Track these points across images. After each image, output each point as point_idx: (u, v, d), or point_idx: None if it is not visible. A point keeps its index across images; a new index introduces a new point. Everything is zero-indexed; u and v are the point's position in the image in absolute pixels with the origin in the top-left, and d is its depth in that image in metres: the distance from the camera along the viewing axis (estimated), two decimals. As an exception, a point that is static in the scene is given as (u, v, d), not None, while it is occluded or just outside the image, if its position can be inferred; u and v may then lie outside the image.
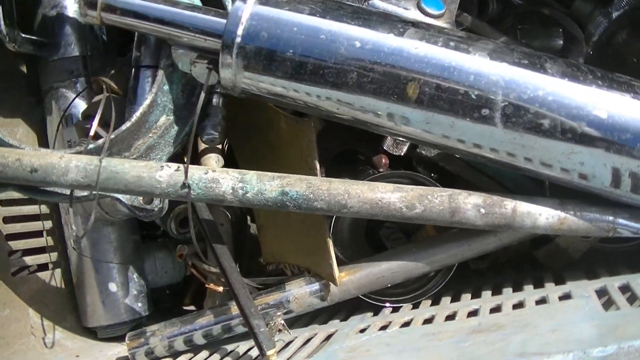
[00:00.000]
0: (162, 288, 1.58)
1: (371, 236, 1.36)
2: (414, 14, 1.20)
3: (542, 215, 1.08)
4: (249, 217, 1.59)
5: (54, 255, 1.50)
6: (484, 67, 1.02)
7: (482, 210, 1.08)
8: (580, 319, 0.93)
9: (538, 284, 1.18)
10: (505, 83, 1.01)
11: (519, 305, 1.07)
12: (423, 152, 1.31)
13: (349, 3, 1.16)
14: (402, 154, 1.33)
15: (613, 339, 0.81)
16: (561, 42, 1.57)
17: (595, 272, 1.19)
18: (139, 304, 1.46)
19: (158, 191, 1.09)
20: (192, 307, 1.63)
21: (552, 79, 1.02)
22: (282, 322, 1.16)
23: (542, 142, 1.02)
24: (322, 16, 1.08)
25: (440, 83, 1.02)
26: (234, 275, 1.14)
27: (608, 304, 0.99)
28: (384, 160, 1.33)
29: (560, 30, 1.57)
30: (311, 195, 1.07)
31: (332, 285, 1.19)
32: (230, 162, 1.36)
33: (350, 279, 1.19)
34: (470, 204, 1.08)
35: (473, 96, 1.01)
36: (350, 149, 1.45)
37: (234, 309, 1.18)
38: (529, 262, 1.39)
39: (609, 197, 1.07)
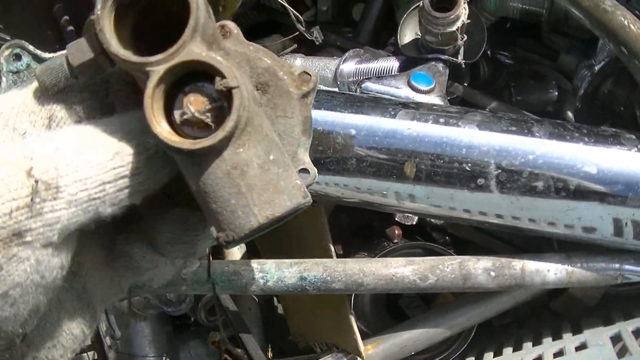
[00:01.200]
0: (200, 375, 1.63)
1: (392, 306, 1.40)
2: (405, 92, 1.26)
3: (550, 271, 1.12)
4: (275, 298, 1.64)
5: (91, 355, 1.54)
6: (474, 139, 1.08)
7: (492, 274, 1.12)
8: (594, 370, 0.96)
9: (557, 335, 1.21)
10: (496, 152, 1.06)
11: (538, 360, 1.11)
12: (433, 220, 1.36)
13: (340, 92, 1.22)
14: (414, 224, 1.39)
15: (624, 388, 0.85)
16: (556, 93, 1.62)
17: (612, 316, 1.22)
18: (179, 394, 1.51)
19: (184, 288, 1.14)
20: (231, 390, 1.66)
21: (541, 142, 1.07)
22: (316, 400, 1.21)
23: (539, 202, 1.06)
24: (317, 107, 1.13)
25: (434, 159, 1.08)
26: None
27: (623, 350, 1.02)
28: (397, 232, 1.38)
29: (554, 82, 1.62)
30: (328, 278, 1.12)
31: (358, 359, 1.23)
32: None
33: (375, 351, 1.24)
34: (480, 268, 1.12)
35: (467, 168, 1.07)
36: (365, 224, 1.50)
37: (269, 393, 1.22)
38: (548, 312, 1.42)
39: (614, 247, 1.11)
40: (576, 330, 1.20)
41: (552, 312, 1.39)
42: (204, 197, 0.60)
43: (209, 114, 0.58)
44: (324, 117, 1.13)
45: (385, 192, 1.12)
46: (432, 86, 1.27)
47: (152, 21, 0.62)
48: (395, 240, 1.37)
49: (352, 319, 1.21)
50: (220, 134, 0.57)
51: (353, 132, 1.11)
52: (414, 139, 1.09)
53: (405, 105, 1.15)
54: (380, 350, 1.24)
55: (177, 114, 0.58)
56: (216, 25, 0.62)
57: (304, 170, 0.68)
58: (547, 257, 1.14)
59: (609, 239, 1.08)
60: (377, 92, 1.25)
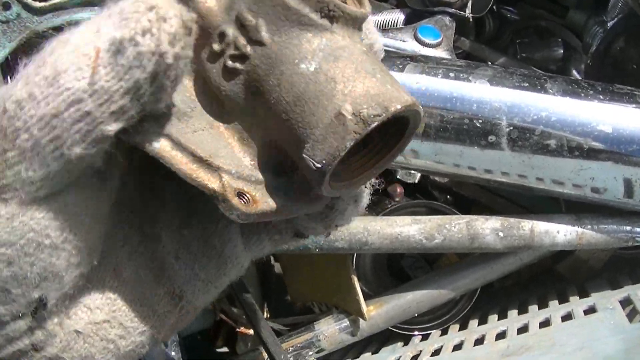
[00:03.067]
0: (194, 334, 1.59)
1: (394, 266, 1.37)
2: (411, 45, 1.22)
3: (560, 232, 1.09)
4: (272, 257, 1.61)
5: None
6: (485, 94, 1.04)
7: (501, 234, 1.09)
8: (606, 334, 0.93)
9: (562, 298, 1.19)
10: (507, 108, 1.03)
11: (545, 323, 1.08)
12: (436, 178, 1.33)
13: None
14: (416, 181, 1.35)
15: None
16: (561, 51, 1.59)
17: (618, 280, 1.20)
18: (172, 354, 1.47)
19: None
20: (225, 349, 1.63)
21: (554, 99, 1.04)
22: (315, 361, 1.18)
23: (550, 161, 1.03)
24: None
25: (444, 115, 1.04)
26: (261, 324, 1.15)
27: (633, 314, 1.00)
28: (398, 189, 1.34)
29: (560, 40, 1.58)
30: (331, 237, 1.09)
31: (361, 320, 1.20)
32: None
33: (377, 312, 1.21)
34: (488, 228, 1.09)
35: (478, 124, 1.03)
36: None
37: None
38: (552, 275, 1.39)
39: (623, 208, 1.08)
40: (583, 294, 1.17)
41: (556, 275, 1.36)
42: (335, 74, 0.50)
43: None
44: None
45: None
46: (439, 40, 1.23)
47: None
48: (397, 199, 1.34)
49: (355, 279, 1.18)
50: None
51: (359, 85, 1.07)
52: (422, 94, 1.06)
53: (413, 58, 1.11)
54: (383, 312, 1.21)
55: None
56: None
57: None
58: (556, 218, 1.11)
59: (619, 200, 1.06)
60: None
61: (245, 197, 0.53)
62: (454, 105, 1.04)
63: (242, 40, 0.51)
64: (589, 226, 1.09)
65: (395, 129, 0.57)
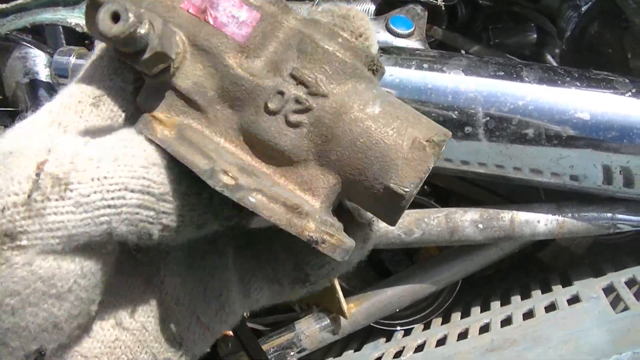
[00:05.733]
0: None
1: (373, 260, 1.35)
2: (383, 36, 1.19)
3: (540, 222, 1.08)
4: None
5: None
6: (460, 84, 1.02)
7: (480, 226, 1.08)
8: (591, 325, 0.92)
9: (545, 287, 1.17)
10: (483, 98, 1.01)
11: (529, 315, 1.06)
12: (413, 170, 1.31)
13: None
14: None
15: (627, 344, 0.81)
16: (535, 35, 1.57)
17: (601, 266, 1.18)
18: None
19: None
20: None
21: (531, 87, 1.02)
22: (297, 361, 1.16)
23: (529, 150, 1.02)
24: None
25: (419, 107, 1.02)
26: (241, 327, 1.13)
27: (616, 302, 0.99)
28: (374, 183, 1.32)
29: (533, 24, 1.56)
30: (308, 235, 1.06)
31: (342, 318, 1.18)
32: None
33: (358, 309, 1.19)
34: (467, 221, 1.08)
35: (454, 116, 1.01)
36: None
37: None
38: (533, 263, 1.38)
39: (603, 195, 1.07)
40: (565, 282, 1.16)
41: (538, 263, 1.35)
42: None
43: None
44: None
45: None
46: (411, 30, 1.20)
47: None
48: (374, 192, 1.31)
49: (334, 278, 1.15)
50: None
51: (332, 80, 1.04)
52: (396, 86, 1.04)
53: (386, 50, 1.09)
54: (364, 309, 1.19)
55: None
56: None
57: None
58: (536, 208, 1.10)
59: (599, 187, 1.04)
60: (353, 38, 1.19)
61: (335, 237, 0.55)
62: (428, 97, 1.03)
63: (302, 95, 0.55)
64: (570, 214, 1.08)
65: None
